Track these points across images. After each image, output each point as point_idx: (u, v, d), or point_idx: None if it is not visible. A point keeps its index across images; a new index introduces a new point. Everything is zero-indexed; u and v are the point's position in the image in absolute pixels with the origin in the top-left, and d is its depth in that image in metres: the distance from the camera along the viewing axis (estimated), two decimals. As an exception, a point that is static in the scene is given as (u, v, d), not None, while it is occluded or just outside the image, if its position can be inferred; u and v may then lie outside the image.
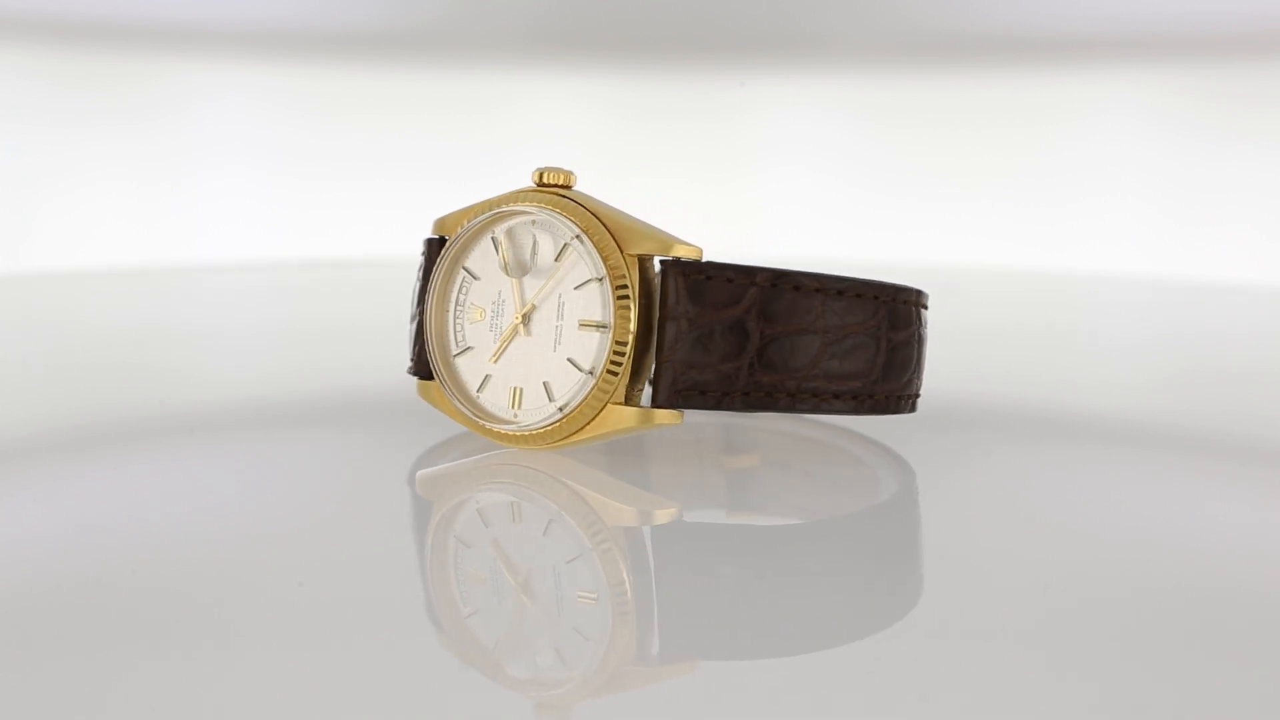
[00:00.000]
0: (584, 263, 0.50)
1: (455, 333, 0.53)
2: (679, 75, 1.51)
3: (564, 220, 0.50)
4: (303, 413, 0.68)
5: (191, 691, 0.33)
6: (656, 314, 0.49)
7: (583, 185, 0.52)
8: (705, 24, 1.48)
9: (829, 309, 0.50)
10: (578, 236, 0.50)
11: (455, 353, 0.53)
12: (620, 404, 0.49)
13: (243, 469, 0.56)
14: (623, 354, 0.49)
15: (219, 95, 1.47)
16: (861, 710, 0.33)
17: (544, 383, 0.51)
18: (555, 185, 0.52)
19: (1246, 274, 1.36)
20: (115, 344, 0.89)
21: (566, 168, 0.52)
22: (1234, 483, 0.57)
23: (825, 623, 0.39)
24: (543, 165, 0.52)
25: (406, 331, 0.57)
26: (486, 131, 1.49)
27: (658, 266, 0.50)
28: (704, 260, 0.50)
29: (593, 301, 0.50)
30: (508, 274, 0.52)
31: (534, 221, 0.52)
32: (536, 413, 0.51)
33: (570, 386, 0.50)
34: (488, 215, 0.52)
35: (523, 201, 0.51)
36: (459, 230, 0.53)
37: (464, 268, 0.53)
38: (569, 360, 0.50)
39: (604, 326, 0.50)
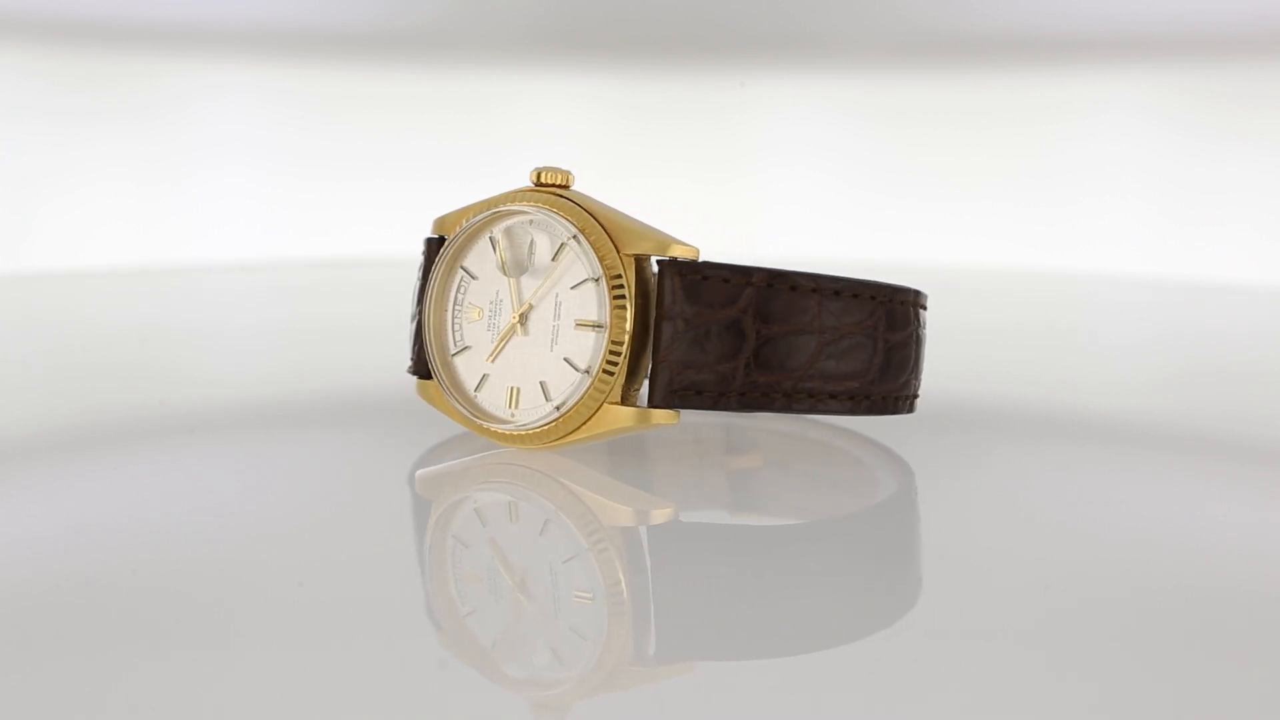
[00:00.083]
0: (581, 262, 0.50)
1: (453, 332, 0.53)
2: (679, 75, 1.51)
3: (561, 220, 0.50)
4: (303, 413, 0.68)
5: (191, 691, 0.33)
6: (653, 314, 0.49)
7: (582, 185, 0.52)
8: (705, 24, 1.47)
9: (826, 309, 0.50)
10: (574, 236, 0.50)
11: (453, 352, 0.53)
12: (617, 404, 0.49)
13: (243, 469, 0.56)
14: (619, 354, 0.49)
15: (219, 95, 1.47)
16: (861, 710, 0.33)
17: (541, 382, 0.51)
18: (553, 185, 0.51)
19: (1246, 274, 1.36)
20: (115, 344, 0.89)
21: (565, 167, 0.52)
22: (1234, 483, 0.57)
23: (824, 623, 0.39)
24: (540, 165, 0.52)
25: (406, 331, 0.57)
26: (486, 131, 1.49)
27: (655, 266, 0.50)
28: (701, 260, 0.50)
29: (589, 301, 0.50)
30: (505, 273, 0.52)
31: (531, 221, 0.52)
32: (533, 412, 0.51)
33: (567, 386, 0.50)
34: (486, 215, 0.52)
35: (520, 201, 0.51)
36: (457, 230, 0.53)
37: (462, 267, 0.53)
38: (566, 360, 0.50)
39: (600, 326, 0.50)
